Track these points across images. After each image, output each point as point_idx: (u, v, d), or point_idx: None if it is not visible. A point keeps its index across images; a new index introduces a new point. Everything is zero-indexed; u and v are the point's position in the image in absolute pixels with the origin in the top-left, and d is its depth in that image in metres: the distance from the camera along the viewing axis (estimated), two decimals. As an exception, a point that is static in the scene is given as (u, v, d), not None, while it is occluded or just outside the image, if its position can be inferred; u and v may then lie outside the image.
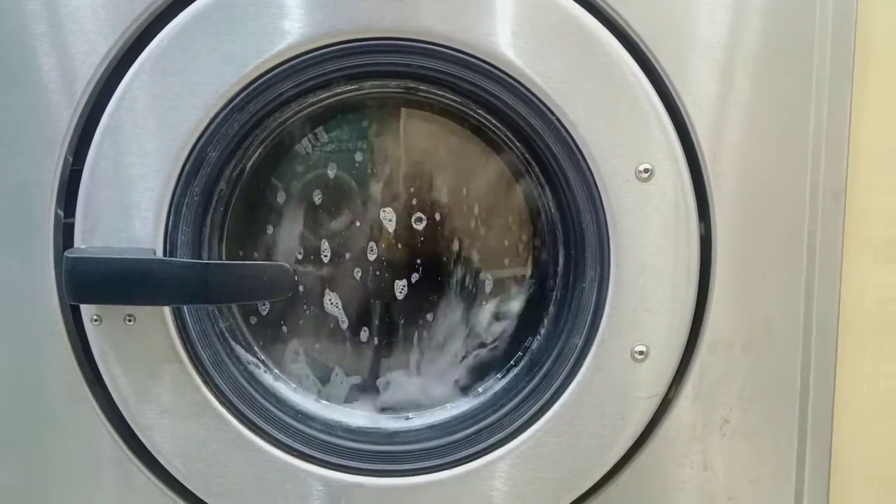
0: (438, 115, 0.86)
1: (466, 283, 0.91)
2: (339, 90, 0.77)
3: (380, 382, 0.87)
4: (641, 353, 0.75)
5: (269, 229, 0.90)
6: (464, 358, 0.88)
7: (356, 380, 0.87)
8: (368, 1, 0.71)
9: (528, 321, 0.86)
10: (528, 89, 0.73)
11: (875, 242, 0.79)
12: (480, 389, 0.83)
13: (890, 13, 0.76)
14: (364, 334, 0.89)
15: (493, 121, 0.79)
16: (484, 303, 0.91)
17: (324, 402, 0.82)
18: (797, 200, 0.76)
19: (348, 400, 0.85)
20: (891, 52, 0.76)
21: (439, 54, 0.72)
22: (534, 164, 0.81)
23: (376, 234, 0.91)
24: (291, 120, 0.80)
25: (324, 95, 0.77)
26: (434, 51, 0.72)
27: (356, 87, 0.78)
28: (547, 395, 0.76)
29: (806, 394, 0.78)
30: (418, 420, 0.82)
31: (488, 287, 0.91)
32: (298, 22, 0.71)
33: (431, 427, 0.80)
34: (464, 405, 0.82)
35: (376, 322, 0.91)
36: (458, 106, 0.79)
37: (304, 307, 0.86)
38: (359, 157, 0.90)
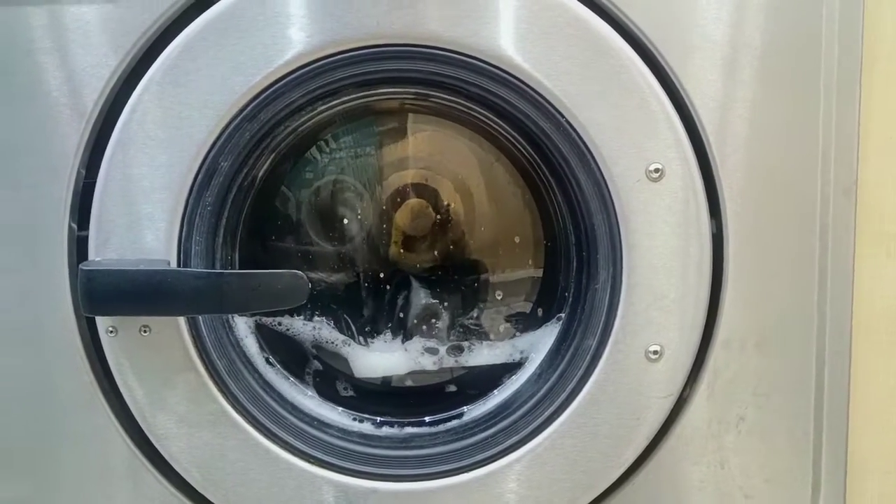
0: (448, 119, 0.86)
1: (480, 286, 0.92)
2: (348, 97, 0.78)
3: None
4: (656, 352, 0.75)
5: (283, 236, 0.91)
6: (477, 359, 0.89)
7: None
8: (376, 8, 0.71)
9: (542, 322, 0.86)
10: (537, 92, 0.73)
11: (887, 237, 0.79)
12: (495, 392, 0.83)
13: (898, 6, 0.76)
14: (374, 337, 0.90)
15: (503, 124, 0.80)
16: (497, 305, 0.92)
17: (339, 408, 0.82)
18: (808, 197, 0.76)
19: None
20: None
21: (447, 59, 0.72)
22: (544, 166, 0.82)
23: (386, 238, 0.91)
24: (302, 128, 0.80)
25: (333, 103, 0.78)
26: (442, 56, 0.72)
27: (365, 94, 0.78)
28: (562, 397, 0.76)
29: (821, 390, 0.78)
30: (433, 424, 0.82)
31: (501, 289, 0.92)
32: (307, 31, 0.71)
33: (447, 431, 0.80)
34: (478, 408, 0.82)
35: (388, 325, 0.91)
36: (467, 110, 0.79)
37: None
38: (369, 162, 0.90)
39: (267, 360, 0.81)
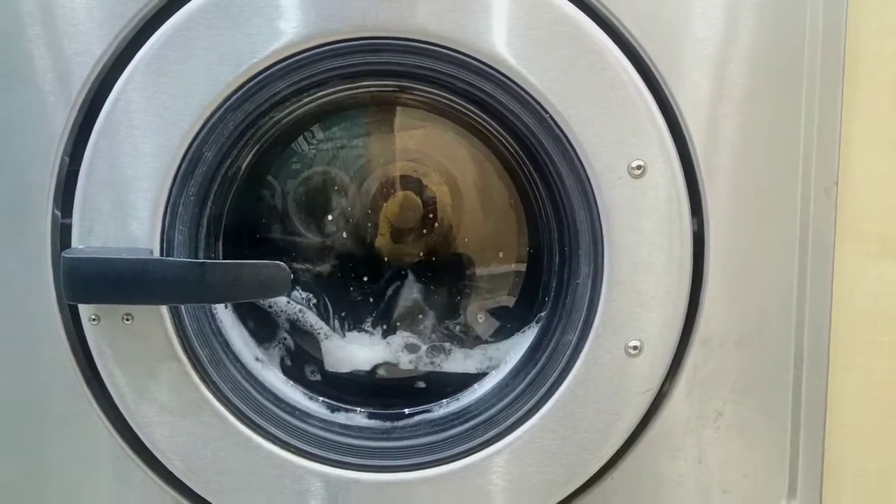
0: (433, 112, 0.87)
1: (462, 279, 0.92)
2: (333, 89, 0.78)
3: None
4: (635, 348, 0.75)
5: (268, 226, 0.91)
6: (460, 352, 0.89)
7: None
8: (363, 0, 0.71)
9: (523, 317, 0.87)
10: (521, 88, 0.73)
11: (867, 237, 0.79)
12: (476, 385, 0.83)
13: (881, 7, 0.76)
14: (357, 330, 0.90)
15: (487, 118, 0.80)
16: (479, 299, 0.92)
17: (321, 398, 0.83)
18: (789, 195, 0.76)
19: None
20: (881, 45, 0.77)
21: (434, 53, 0.72)
22: (528, 161, 0.82)
23: (371, 230, 0.92)
24: (286, 119, 0.80)
25: (318, 94, 0.78)
26: (428, 50, 0.72)
27: (351, 86, 0.78)
28: (542, 391, 0.77)
29: (799, 387, 0.79)
30: (415, 416, 0.82)
31: (483, 283, 0.92)
32: (293, 22, 0.71)
33: (428, 422, 0.81)
34: (459, 401, 0.82)
35: (370, 318, 0.91)
36: (452, 104, 0.79)
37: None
38: (354, 153, 0.90)
39: (247, 343, 0.82)
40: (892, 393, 0.81)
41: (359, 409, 0.82)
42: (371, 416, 0.82)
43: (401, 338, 0.90)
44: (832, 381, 0.80)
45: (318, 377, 0.87)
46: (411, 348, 0.89)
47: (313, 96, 0.78)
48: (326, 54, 0.72)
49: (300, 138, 0.89)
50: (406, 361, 0.88)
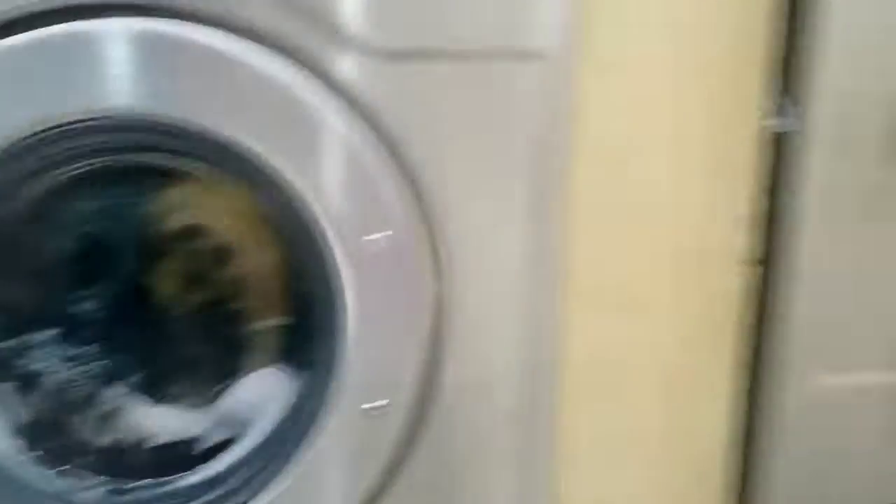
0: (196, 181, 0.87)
1: (210, 350, 0.93)
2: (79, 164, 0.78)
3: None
4: (377, 409, 0.78)
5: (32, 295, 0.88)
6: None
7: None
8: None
9: (259, 384, 0.89)
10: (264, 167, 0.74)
11: (583, 290, 0.86)
12: (221, 454, 0.84)
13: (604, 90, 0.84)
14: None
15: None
16: (222, 370, 0.93)
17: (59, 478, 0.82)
18: (522, 255, 0.81)
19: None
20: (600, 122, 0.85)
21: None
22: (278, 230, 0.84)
23: (137, 291, 0.91)
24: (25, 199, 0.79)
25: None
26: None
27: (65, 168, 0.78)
28: (283, 458, 0.78)
29: (534, 439, 0.85)
30: (152, 489, 0.83)
31: (228, 353, 0.92)
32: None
33: (168, 494, 0.82)
34: (202, 472, 0.84)
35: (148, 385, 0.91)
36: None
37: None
38: (127, 212, 0.89)
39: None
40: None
41: (102, 479, 0.82)
42: (112, 490, 0.82)
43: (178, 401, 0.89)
44: (562, 429, 0.87)
45: (56, 443, 0.86)
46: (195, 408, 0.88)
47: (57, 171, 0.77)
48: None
49: (56, 204, 0.88)
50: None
